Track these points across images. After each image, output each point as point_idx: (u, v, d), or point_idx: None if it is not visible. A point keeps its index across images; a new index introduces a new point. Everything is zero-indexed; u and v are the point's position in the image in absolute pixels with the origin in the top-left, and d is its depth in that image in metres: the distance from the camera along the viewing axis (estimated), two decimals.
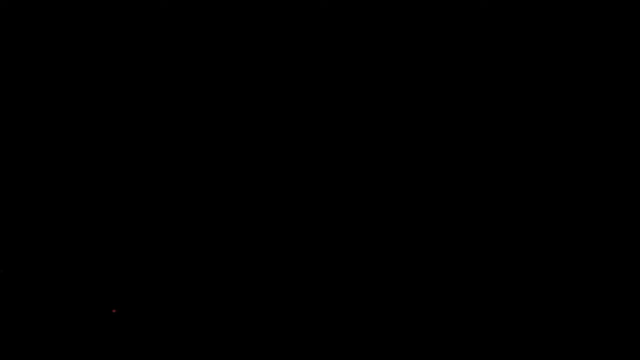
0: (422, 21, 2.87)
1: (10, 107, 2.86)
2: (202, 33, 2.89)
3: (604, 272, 2.77)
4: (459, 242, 2.82)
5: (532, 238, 2.81)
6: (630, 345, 2.71)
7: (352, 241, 2.83)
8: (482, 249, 2.81)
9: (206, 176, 2.86)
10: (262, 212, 2.85)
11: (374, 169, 2.85)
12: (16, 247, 2.81)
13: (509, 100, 2.85)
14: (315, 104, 2.88)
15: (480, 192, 2.83)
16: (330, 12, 2.88)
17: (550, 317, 2.75)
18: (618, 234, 2.79)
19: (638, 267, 2.76)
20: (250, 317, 2.79)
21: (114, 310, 2.77)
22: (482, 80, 2.86)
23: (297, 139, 2.87)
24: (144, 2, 2.88)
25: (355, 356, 2.75)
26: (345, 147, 2.87)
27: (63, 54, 2.88)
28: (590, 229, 2.80)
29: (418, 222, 2.83)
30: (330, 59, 2.88)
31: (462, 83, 2.87)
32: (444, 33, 2.87)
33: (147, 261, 2.82)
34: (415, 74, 2.87)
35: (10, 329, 2.75)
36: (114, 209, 2.84)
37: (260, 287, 2.81)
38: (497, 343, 2.74)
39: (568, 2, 2.85)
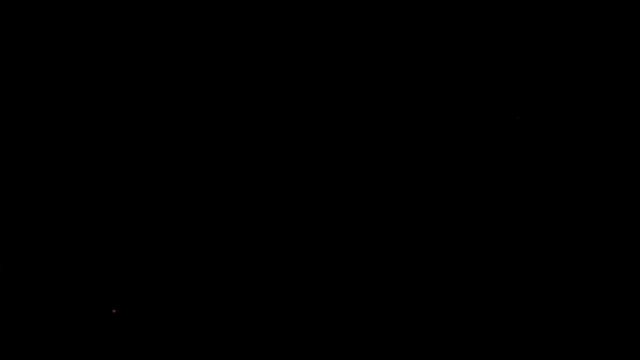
0: (422, 21, 2.88)
1: (10, 107, 2.86)
2: (202, 33, 2.89)
3: (604, 272, 2.77)
4: (459, 242, 2.82)
5: (532, 238, 2.81)
6: (630, 345, 2.71)
7: (353, 241, 2.83)
8: (482, 248, 2.81)
9: (206, 176, 2.86)
10: (262, 212, 2.85)
11: (374, 168, 2.86)
12: (17, 246, 2.81)
13: (509, 101, 2.86)
14: (315, 104, 2.88)
15: (480, 192, 2.84)
16: (330, 12, 2.88)
17: (550, 317, 2.76)
18: (618, 234, 2.79)
19: (638, 267, 2.76)
20: (250, 317, 2.79)
21: (114, 310, 2.77)
22: (482, 81, 2.87)
23: (297, 139, 2.87)
24: (144, 2, 2.88)
25: (355, 356, 2.75)
26: (345, 147, 2.87)
27: (63, 54, 2.88)
28: (590, 228, 2.80)
29: (418, 221, 2.83)
30: (331, 59, 2.89)
31: (462, 83, 2.87)
32: (444, 33, 2.87)
33: (147, 261, 2.82)
34: (415, 74, 2.88)
35: (11, 328, 2.75)
36: (114, 208, 2.84)
37: (261, 287, 2.81)
38: (497, 343, 2.75)
39: (568, 2, 2.85)
